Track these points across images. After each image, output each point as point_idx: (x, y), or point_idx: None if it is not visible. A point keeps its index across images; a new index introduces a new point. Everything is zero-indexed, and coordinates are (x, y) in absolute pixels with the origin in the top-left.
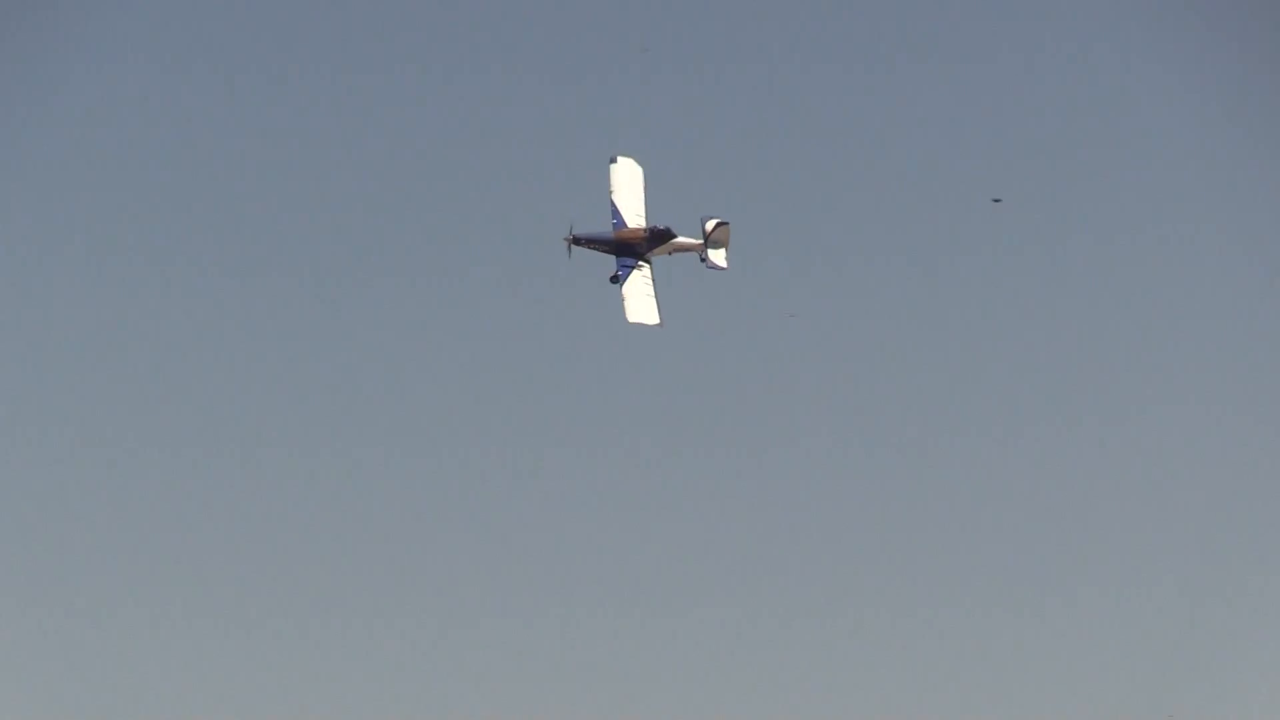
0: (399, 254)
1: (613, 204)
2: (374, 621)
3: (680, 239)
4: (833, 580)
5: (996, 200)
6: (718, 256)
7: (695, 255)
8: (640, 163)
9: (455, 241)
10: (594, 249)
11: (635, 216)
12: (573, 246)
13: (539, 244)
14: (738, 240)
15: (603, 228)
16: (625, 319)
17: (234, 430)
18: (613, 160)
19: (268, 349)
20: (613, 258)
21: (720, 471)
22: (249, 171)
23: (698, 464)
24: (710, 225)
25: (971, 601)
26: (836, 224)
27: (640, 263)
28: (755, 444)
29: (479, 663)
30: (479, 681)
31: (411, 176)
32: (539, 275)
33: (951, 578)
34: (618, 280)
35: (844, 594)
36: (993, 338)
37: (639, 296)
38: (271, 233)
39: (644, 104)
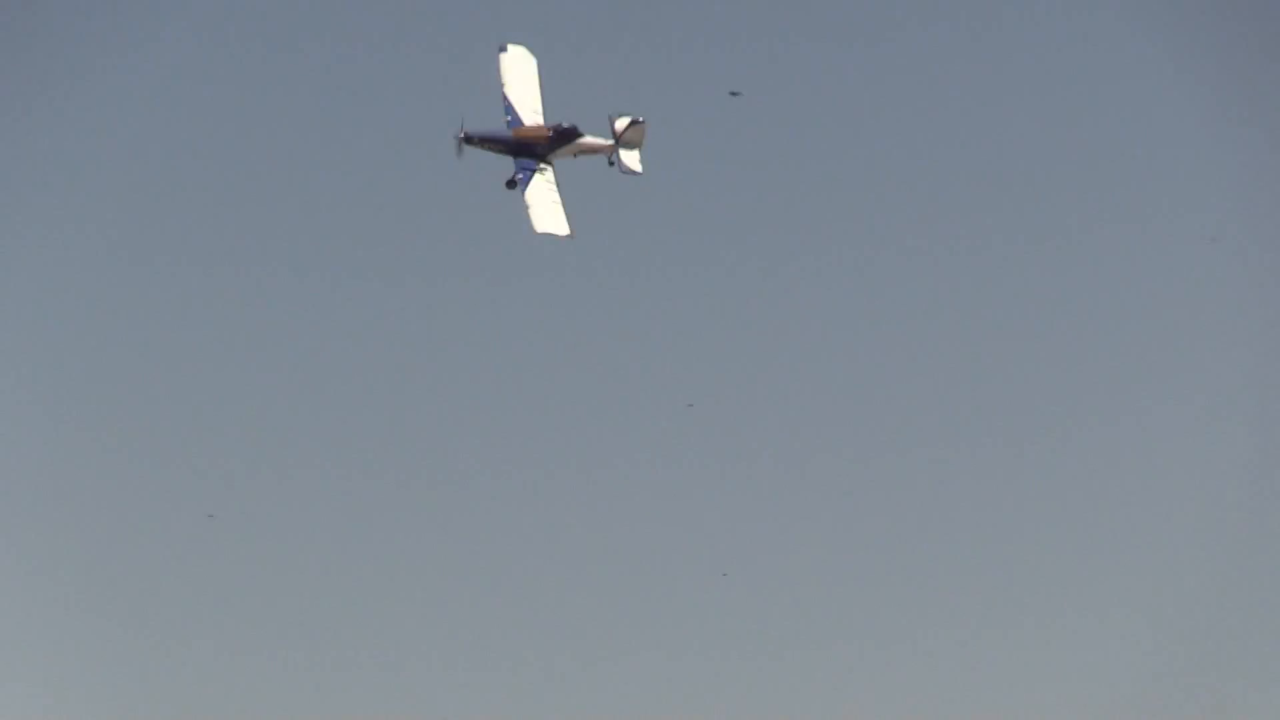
0: (263, 161)
1: (505, 99)
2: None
3: (587, 139)
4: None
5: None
6: (631, 159)
7: (604, 157)
8: (533, 51)
9: (326, 145)
10: (488, 149)
11: (532, 113)
12: (463, 146)
13: (422, 143)
14: (653, 141)
15: (496, 125)
16: (530, 229)
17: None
18: (501, 49)
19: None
20: (509, 160)
21: (643, 408)
22: None
23: (620, 401)
24: (621, 124)
25: (949, 594)
26: (758, 119)
27: (541, 165)
28: (677, 371)
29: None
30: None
31: (268, 64)
32: (424, 179)
33: (906, 555)
34: (516, 185)
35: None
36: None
37: (544, 203)
38: None
39: None
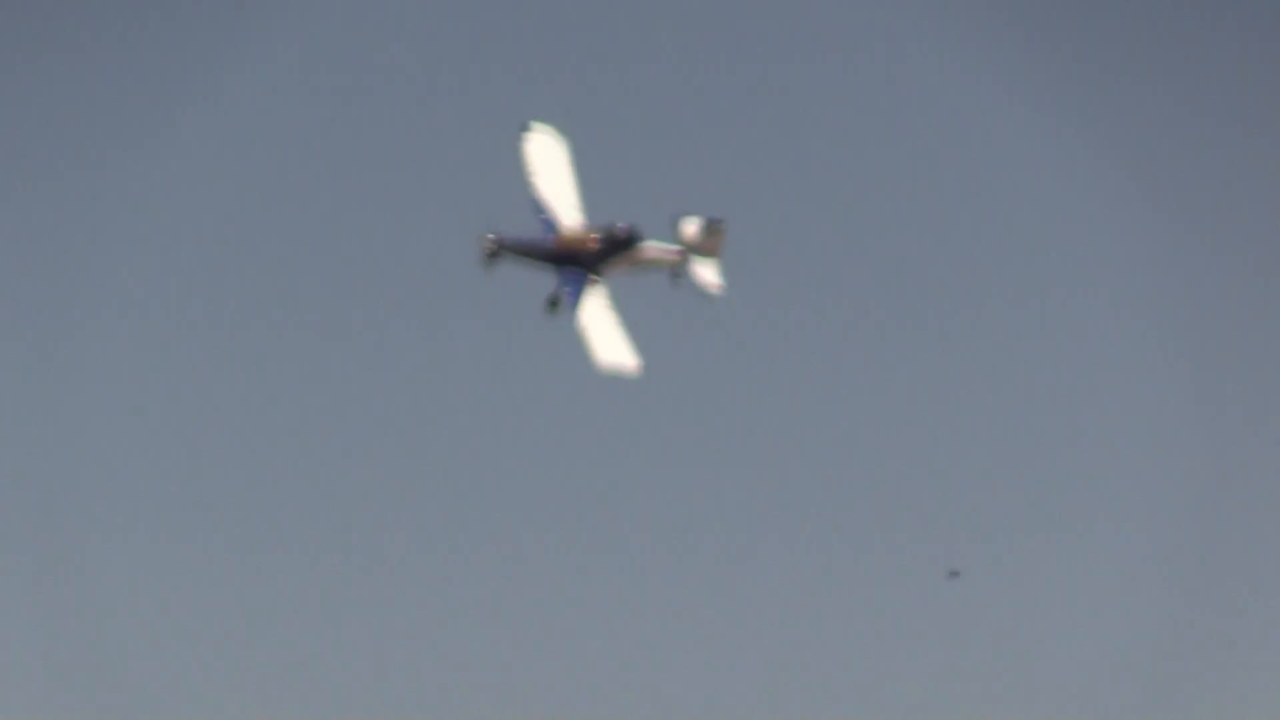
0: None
1: (535, 194)
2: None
3: (650, 246)
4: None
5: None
6: (707, 273)
7: (668, 271)
8: (563, 133)
9: (328, 258)
10: (524, 260)
11: (570, 212)
12: (493, 257)
13: (439, 252)
14: (731, 249)
15: (531, 229)
16: (589, 362)
17: None
18: (525, 130)
19: None
20: (548, 272)
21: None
22: None
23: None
24: (692, 227)
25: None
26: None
27: (591, 279)
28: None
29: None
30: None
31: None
32: (442, 300)
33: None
34: (557, 305)
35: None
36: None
37: (604, 329)
38: None
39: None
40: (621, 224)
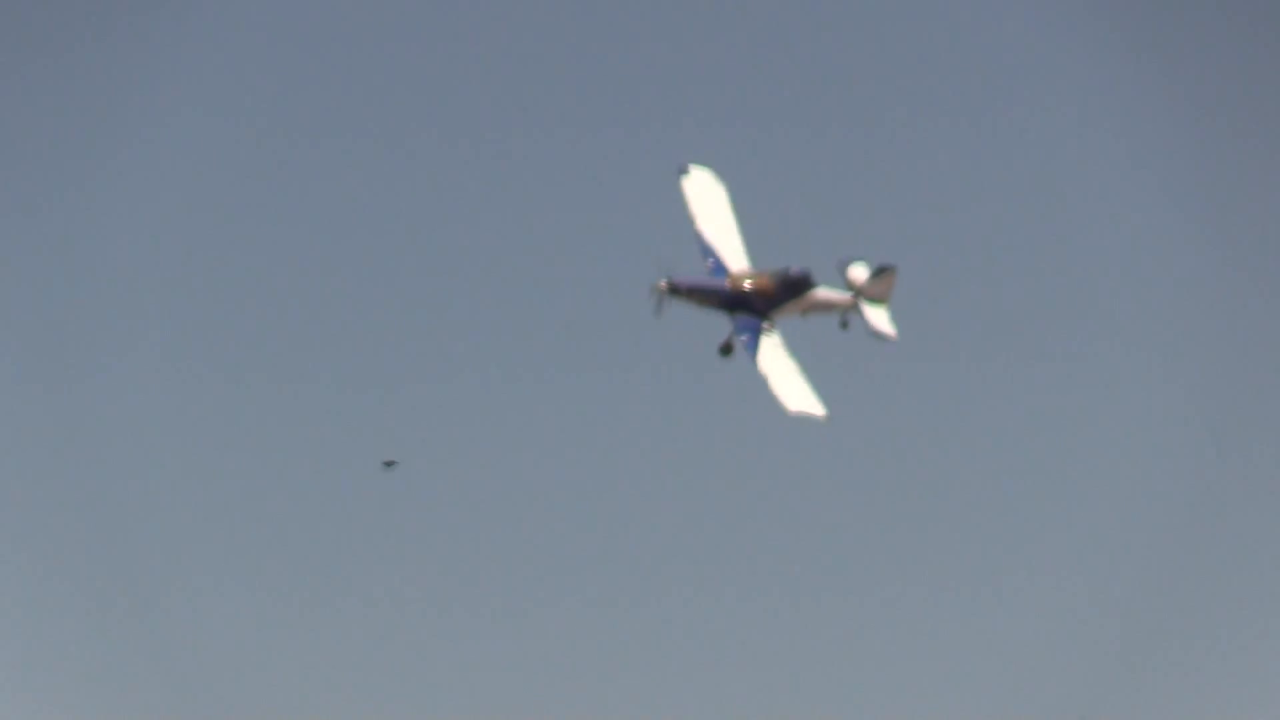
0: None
1: (700, 237)
2: None
3: (822, 292)
4: None
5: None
6: (878, 318)
7: (838, 316)
8: (720, 176)
9: (492, 306)
10: (697, 303)
11: (736, 256)
12: (666, 299)
13: (607, 297)
14: (899, 294)
15: (698, 272)
16: (778, 408)
17: None
18: (682, 172)
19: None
20: (718, 317)
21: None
22: None
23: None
24: (859, 272)
25: None
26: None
27: (765, 324)
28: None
29: None
30: None
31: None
32: (612, 342)
33: None
34: (732, 350)
35: None
36: None
37: (787, 375)
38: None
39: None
40: (796, 268)
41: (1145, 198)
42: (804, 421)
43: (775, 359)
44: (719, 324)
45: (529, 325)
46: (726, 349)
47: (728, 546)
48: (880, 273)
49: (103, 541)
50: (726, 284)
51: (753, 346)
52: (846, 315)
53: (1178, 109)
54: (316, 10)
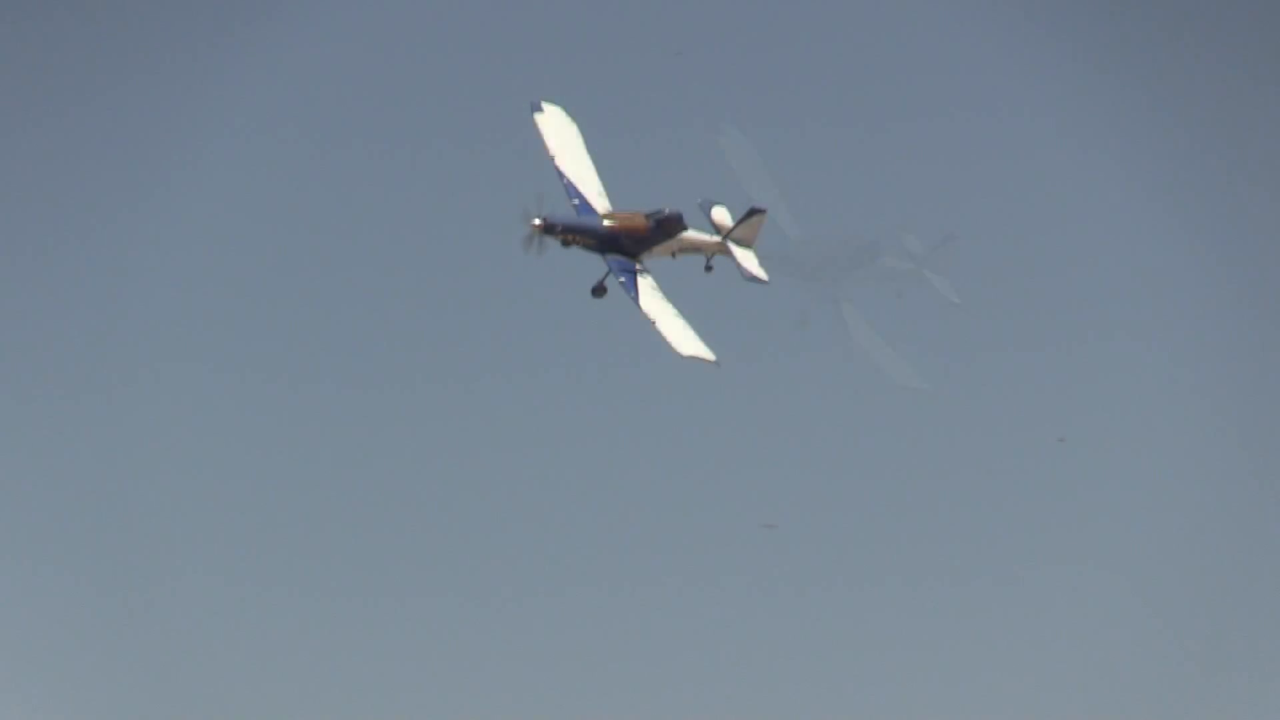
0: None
1: (561, 174)
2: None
3: (692, 234)
4: None
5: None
6: (747, 260)
7: (703, 258)
8: (570, 112)
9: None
10: (571, 242)
11: (597, 196)
12: (540, 237)
13: (472, 236)
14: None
15: (563, 210)
16: (670, 352)
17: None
18: (535, 108)
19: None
20: (596, 256)
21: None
22: None
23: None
24: (722, 214)
25: None
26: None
27: (639, 266)
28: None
29: None
30: None
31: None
32: (490, 285)
33: None
34: (603, 292)
35: None
36: None
37: (671, 318)
38: None
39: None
40: (669, 208)
41: (1106, 198)
42: (695, 365)
43: (656, 302)
44: (593, 263)
45: (399, 273)
46: (600, 290)
47: (640, 492)
48: (749, 215)
49: (104, 543)
50: (603, 223)
51: (631, 287)
52: (712, 258)
53: (1162, 113)
54: None
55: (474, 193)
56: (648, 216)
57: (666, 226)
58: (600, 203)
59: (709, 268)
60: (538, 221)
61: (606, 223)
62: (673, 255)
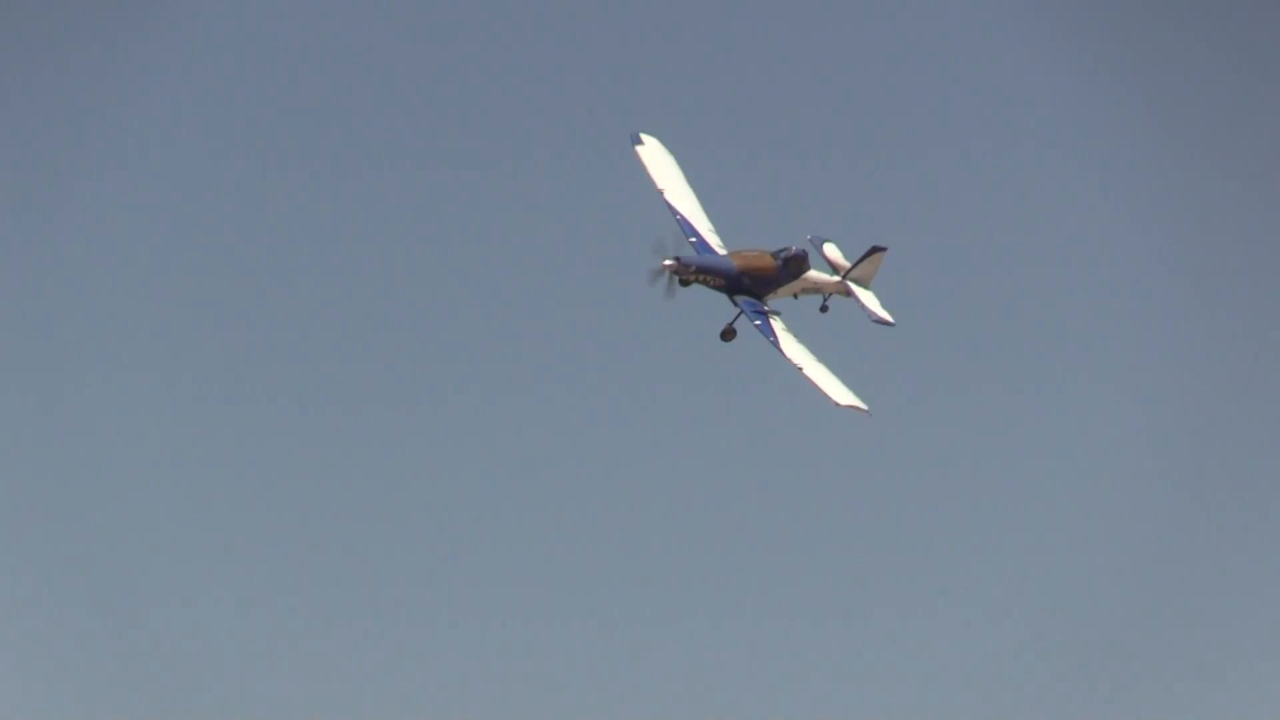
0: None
1: (673, 211)
2: None
3: (814, 273)
4: None
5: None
6: (869, 301)
7: (820, 298)
8: (666, 144)
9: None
10: (697, 282)
11: (709, 233)
12: (675, 280)
13: (603, 282)
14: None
15: (684, 249)
16: (825, 402)
17: None
18: (635, 141)
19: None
20: (722, 298)
21: None
22: None
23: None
24: (835, 252)
25: None
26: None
27: (769, 309)
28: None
29: None
30: None
31: None
32: (617, 334)
33: None
34: (732, 336)
35: None
36: None
37: (817, 366)
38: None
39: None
40: (796, 247)
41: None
42: (851, 416)
43: (798, 349)
44: (721, 307)
45: (525, 321)
46: (729, 334)
47: (788, 544)
48: (870, 253)
49: (106, 548)
50: (734, 264)
51: (768, 331)
52: (829, 298)
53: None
54: None
55: (584, 234)
56: (775, 255)
57: (793, 266)
58: (714, 240)
59: (825, 308)
60: (670, 261)
61: (736, 262)
62: (795, 296)
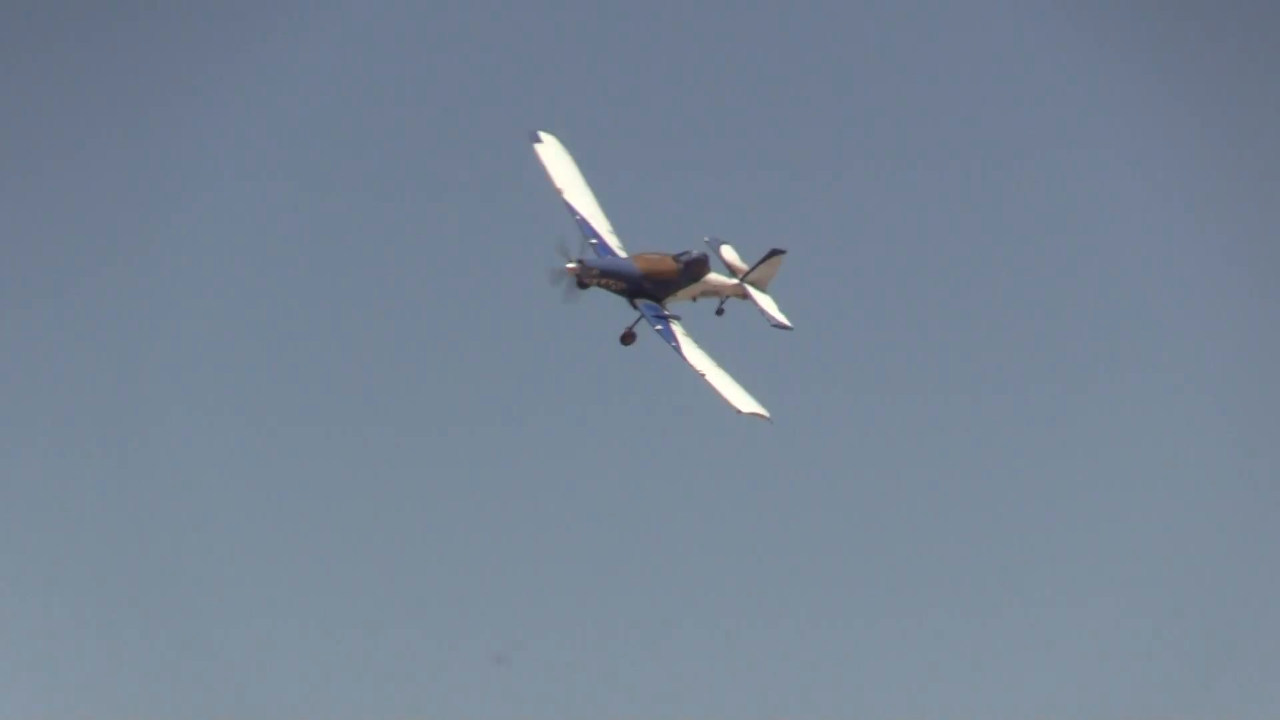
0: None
1: (573, 211)
2: None
3: (714, 276)
4: None
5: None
6: (768, 304)
7: (716, 301)
8: (564, 142)
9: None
10: (605, 287)
11: (609, 234)
12: (577, 284)
13: (491, 278)
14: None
15: (580, 249)
16: (728, 409)
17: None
18: (534, 139)
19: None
20: (622, 302)
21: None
22: None
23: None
24: (733, 254)
25: None
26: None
27: (669, 312)
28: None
29: None
30: None
31: None
32: (519, 336)
33: None
34: (631, 340)
35: None
36: None
37: (718, 371)
38: None
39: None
40: (698, 250)
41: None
42: (752, 423)
43: (698, 353)
44: (620, 310)
45: (419, 323)
46: (629, 338)
47: (689, 552)
48: (769, 256)
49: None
50: (637, 267)
51: (669, 336)
52: (725, 301)
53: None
54: None
55: (482, 233)
56: (676, 259)
57: (694, 270)
58: (613, 241)
59: (721, 311)
60: (573, 265)
61: (638, 266)
62: (693, 299)
